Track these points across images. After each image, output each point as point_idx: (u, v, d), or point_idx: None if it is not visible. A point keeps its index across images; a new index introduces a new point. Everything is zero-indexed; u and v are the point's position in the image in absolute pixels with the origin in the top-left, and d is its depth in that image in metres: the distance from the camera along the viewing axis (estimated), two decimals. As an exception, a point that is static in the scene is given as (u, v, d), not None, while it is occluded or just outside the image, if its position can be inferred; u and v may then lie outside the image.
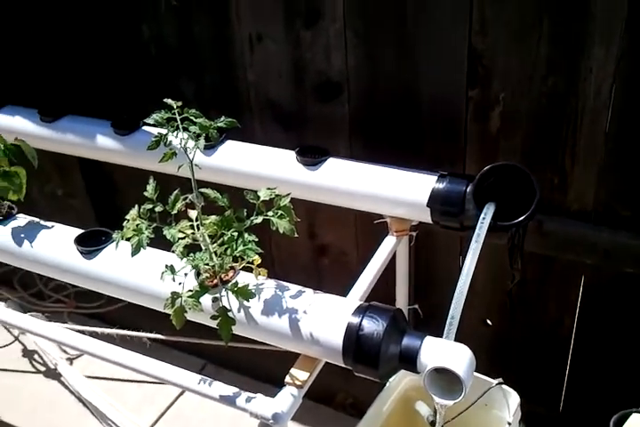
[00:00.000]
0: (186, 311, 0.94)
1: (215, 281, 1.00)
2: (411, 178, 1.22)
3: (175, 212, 0.98)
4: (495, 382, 1.19)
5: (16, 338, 2.19)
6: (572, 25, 1.11)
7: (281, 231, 0.96)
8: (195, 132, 0.96)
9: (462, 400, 0.88)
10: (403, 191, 1.21)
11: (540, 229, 1.29)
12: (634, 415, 1.07)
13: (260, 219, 0.97)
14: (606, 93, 1.14)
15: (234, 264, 1.02)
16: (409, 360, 0.90)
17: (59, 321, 1.47)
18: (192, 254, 0.96)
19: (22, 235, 1.23)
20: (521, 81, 1.20)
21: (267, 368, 1.61)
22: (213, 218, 0.99)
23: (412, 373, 0.92)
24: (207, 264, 0.97)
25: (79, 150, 1.59)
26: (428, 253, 1.49)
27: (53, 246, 1.20)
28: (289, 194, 0.98)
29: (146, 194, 0.99)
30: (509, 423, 1.18)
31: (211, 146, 1.37)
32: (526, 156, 1.27)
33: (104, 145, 1.51)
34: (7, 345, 2.18)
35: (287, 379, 0.98)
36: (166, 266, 0.96)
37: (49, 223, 1.26)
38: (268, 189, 0.98)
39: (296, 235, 0.96)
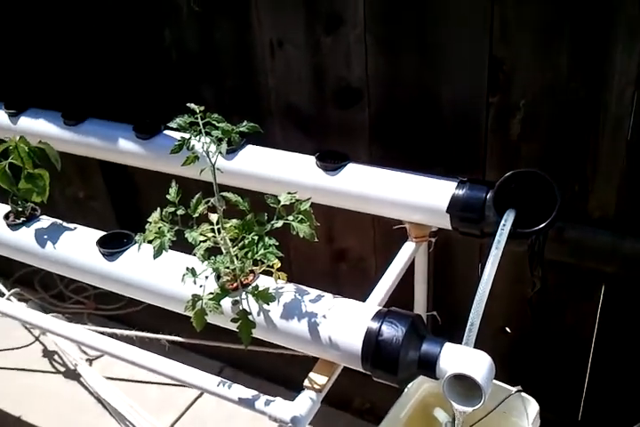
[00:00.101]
0: (206, 314, 0.95)
1: (235, 284, 1.01)
2: (430, 184, 1.22)
3: (197, 215, 0.99)
4: (514, 389, 1.18)
5: (36, 338, 2.22)
6: (593, 32, 1.10)
7: (301, 236, 0.96)
8: (217, 137, 0.97)
9: (481, 407, 0.87)
10: (422, 197, 1.21)
11: (560, 236, 1.28)
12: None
13: (280, 223, 0.97)
14: (628, 100, 1.13)
15: (254, 268, 1.03)
16: (428, 366, 0.90)
17: (79, 322, 1.49)
18: (213, 257, 0.97)
19: (45, 236, 1.24)
20: (542, 88, 1.20)
21: (284, 372, 1.61)
22: (234, 222, 0.99)
23: (431, 379, 0.92)
24: (228, 267, 0.98)
25: (101, 153, 1.61)
26: (446, 259, 1.49)
27: (76, 248, 1.21)
28: (309, 199, 0.99)
29: (168, 197, 1.00)
30: (528, 431, 1.17)
31: (232, 150, 1.38)
32: (547, 163, 1.26)
33: (125, 148, 1.53)
34: (28, 345, 2.21)
35: (306, 383, 0.98)
36: (187, 269, 0.97)
37: (71, 225, 1.27)
38: (289, 193, 0.99)
39: (316, 239, 0.97)
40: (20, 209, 1.29)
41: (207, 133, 0.96)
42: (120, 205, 2.01)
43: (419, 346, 0.91)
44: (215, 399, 1.02)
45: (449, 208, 1.17)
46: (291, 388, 1.03)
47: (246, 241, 0.97)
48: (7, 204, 1.30)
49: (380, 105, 1.39)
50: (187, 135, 0.97)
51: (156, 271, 1.12)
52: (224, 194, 0.99)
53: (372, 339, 0.92)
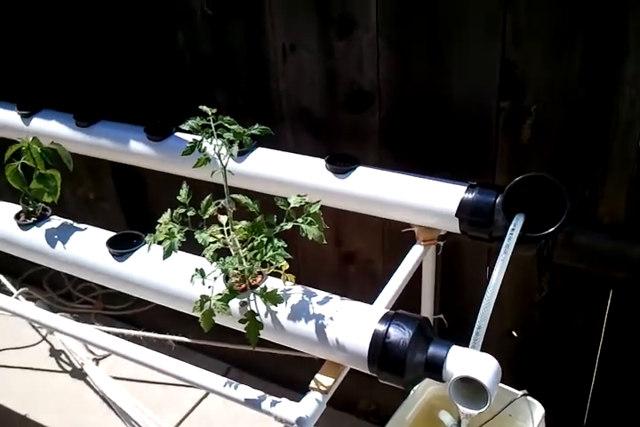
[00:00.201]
0: (214, 315, 0.95)
1: (244, 286, 1.02)
2: (440, 187, 1.23)
3: (207, 216, 0.99)
4: (520, 393, 1.18)
5: (44, 337, 2.23)
6: (606, 37, 1.10)
7: (310, 238, 0.97)
8: (228, 139, 0.97)
9: (487, 411, 0.88)
10: (431, 201, 1.21)
11: (569, 241, 1.28)
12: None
13: (289, 225, 0.98)
14: (639, 106, 1.13)
15: (262, 269, 1.03)
16: (434, 369, 0.90)
17: (86, 322, 1.50)
18: (222, 259, 0.98)
19: (56, 236, 1.25)
20: (553, 93, 1.20)
21: (290, 374, 1.62)
22: (244, 223, 1.00)
23: (437, 381, 0.92)
24: (236, 269, 0.98)
25: (112, 155, 1.62)
26: (455, 262, 1.49)
27: (86, 248, 1.22)
28: (319, 201, 0.99)
29: (179, 198, 1.00)
30: (533, 436, 1.17)
31: (243, 153, 1.39)
32: (557, 168, 1.26)
33: (137, 150, 1.54)
34: (35, 344, 2.22)
35: (312, 384, 0.98)
36: (196, 269, 0.98)
37: (82, 225, 1.28)
38: (299, 196, 1.00)
39: (325, 242, 0.97)
40: (31, 209, 1.30)
41: (219, 136, 0.97)
42: (130, 206, 2.03)
43: (425, 349, 0.92)
44: (221, 400, 1.03)
45: (458, 212, 1.17)
46: (296, 389, 1.03)
47: (255, 243, 0.98)
48: (18, 204, 1.32)
49: (391, 109, 1.39)
50: (198, 137, 0.97)
51: (166, 272, 1.12)
52: (234, 196, 1.00)
53: (379, 341, 0.92)
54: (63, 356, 2.17)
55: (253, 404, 0.98)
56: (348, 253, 1.68)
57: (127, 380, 1.99)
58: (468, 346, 0.93)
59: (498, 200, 1.13)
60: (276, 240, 0.97)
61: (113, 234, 1.23)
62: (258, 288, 1.00)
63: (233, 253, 0.99)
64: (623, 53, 1.10)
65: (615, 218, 1.26)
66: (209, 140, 0.97)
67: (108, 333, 1.24)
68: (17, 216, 1.31)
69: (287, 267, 1.03)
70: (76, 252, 1.23)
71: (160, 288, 1.12)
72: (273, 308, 1.00)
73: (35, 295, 2.14)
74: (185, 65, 1.62)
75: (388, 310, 0.99)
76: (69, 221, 1.30)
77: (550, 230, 1.08)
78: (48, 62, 1.85)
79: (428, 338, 0.93)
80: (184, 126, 0.98)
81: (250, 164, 1.39)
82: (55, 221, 1.30)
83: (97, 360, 2.09)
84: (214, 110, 0.98)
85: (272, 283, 1.04)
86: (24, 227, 1.29)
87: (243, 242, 0.99)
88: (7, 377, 2.10)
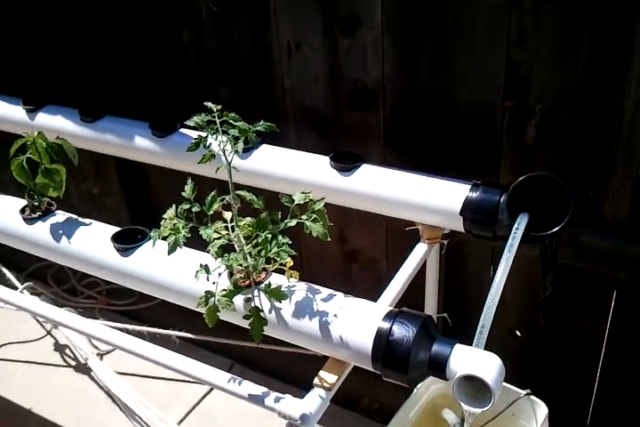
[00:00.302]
0: (218, 310, 0.96)
1: (248, 282, 1.02)
2: (444, 186, 1.23)
3: (212, 212, 0.99)
4: (524, 392, 1.18)
5: (48, 332, 2.24)
6: (612, 37, 1.10)
7: (314, 235, 0.97)
8: (233, 135, 0.98)
9: (490, 409, 0.88)
10: (436, 199, 1.22)
11: (573, 241, 1.28)
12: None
13: (294, 222, 0.98)
14: (645, 106, 1.13)
15: (266, 266, 1.04)
16: (438, 367, 0.91)
17: (90, 317, 1.50)
18: (226, 255, 0.98)
19: (60, 231, 1.26)
20: (559, 93, 1.20)
21: (293, 371, 1.62)
22: (248, 220, 1.00)
23: (441, 380, 0.92)
24: (241, 265, 0.99)
25: (117, 150, 1.62)
26: (459, 261, 1.49)
27: (90, 243, 1.23)
28: (323, 198, 1.00)
29: (184, 194, 1.01)
30: (536, 435, 1.17)
31: (247, 149, 1.39)
32: (562, 167, 1.26)
33: (141, 146, 1.54)
34: (39, 339, 2.22)
35: (316, 381, 0.98)
36: (201, 265, 0.98)
37: (87, 220, 1.29)
38: (303, 193, 1.00)
39: (329, 239, 0.97)
40: (37, 203, 1.31)
41: (224, 132, 0.97)
42: (134, 202, 2.03)
43: (429, 347, 0.92)
44: (225, 396, 1.03)
45: (462, 211, 1.17)
46: (299, 386, 1.04)
47: (260, 239, 0.98)
48: (24, 198, 1.32)
49: (396, 107, 1.39)
50: (203, 134, 0.98)
51: (170, 267, 1.13)
52: (239, 192, 1.00)
53: (382, 339, 0.92)
54: (67, 350, 2.17)
55: (257, 400, 0.99)
56: (351, 251, 1.68)
57: (131, 375, 1.99)
58: (471, 345, 0.94)
59: (502, 199, 1.13)
60: (280, 237, 0.97)
61: (118, 229, 1.23)
62: (262, 284, 1.00)
63: (237, 249, 0.99)
64: (629, 53, 1.10)
65: (619, 218, 1.26)
66: (214, 136, 0.97)
67: (113, 328, 1.24)
68: (22, 210, 1.32)
69: (291, 264, 1.03)
70: (81, 246, 1.23)
71: (164, 284, 1.13)
72: (277, 304, 1.01)
73: (39, 290, 2.15)
74: (190, 62, 1.62)
75: (391, 308, 0.99)
76: (74, 216, 1.30)
77: (554, 230, 1.08)
78: (53, 58, 1.86)
79: (431, 336, 0.93)
80: (189, 122, 0.98)
81: (254, 160, 1.40)
82: (60, 216, 1.30)
83: (101, 355, 2.10)
84: (219, 106, 0.98)
85: (276, 279, 1.05)
86: (29, 221, 1.29)
87: (247, 238, 0.99)
88: (12, 371, 2.11)
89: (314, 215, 0.98)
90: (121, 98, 1.77)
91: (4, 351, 2.19)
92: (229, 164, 0.98)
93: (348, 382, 1.04)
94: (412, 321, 0.93)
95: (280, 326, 1.02)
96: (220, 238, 0.98)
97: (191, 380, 1.10)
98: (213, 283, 0.98)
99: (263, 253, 0.97)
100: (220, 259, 0.97)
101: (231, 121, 0.98)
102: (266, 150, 1.42)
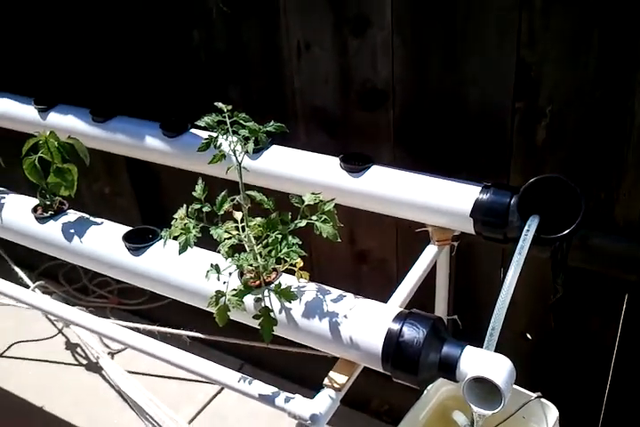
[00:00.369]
0: (229, 310, 0.96)
1: (258, 282, 1.02)
2: (454, 188, 1.22)
3: (222, 212, 1.00)
4: (534, 395, 1.18)
5: (60, 331, 2.25)
6: (622, 38, 1.10)
7: (324, 236, 0.97)
8: (243, 136, 0.98)
9: (500, 411, 0.87)
10: (446, 201, 1.21)
11: (585, 244, 1.27)
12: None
13: (304, 222, 0.98)
14: (656, 107, 1.13)
15: (277, 266, 1.04)
16: (448, 368, 0.90)
17: (101, 317, 1.51)
18: (237, 255, 0.98)
19: (72, 230, 1.26)
20: (569, 94, 1.19)
21: (303, 371, 1.62)
22: (259, 220, 1.00)
23: (451, 381, 0.92)
24: (251, 265, 0.99)
25: (128, 150, 1.63)
26: (469, 263, 1.48)
27: (102, 242, 1.23)
28: (333, 199, 1.00)
29: (194, 194, 1.01)
30: (547, 438, 1.17)
31: (257, 150, 1.39)
32: (572, 169, 1.25)
33: (152, 146, 1.55)
34: (51, 337, 2.24)
35: (326, 381, 0.99)
36: (211, 265, 0.98)
37: (98, 219, 1.29)
38: (313, 193, 1.00)
39: (339, 240, 0.97)
40: (48, 203, 1.32)
41: (234, 132, 0.98)
42: (145, 202, 2.04)
43: (439, 348, 0.92)
44: (235, 395, 1.03)
45: (472, 212, 1.17)
46: (310, 387, 1.04)
47: (270, 239, 0.98)
48: (36, 197, 1.33)
49: (406, 107, 1.39)
50: (214, 134, 0.98)
51: (181, 267, 1.13)
52: (249, 192, 1.01)
53: (392, 340, 0.92)
54: (79, 349, 2.19)
55: (267, 400, 0.99)
56: (361, 252, 1.68)
57: (142, 374, 2.00)
58: (482, 347, 0.93)
59: (513, 201, 1.13)
60: (290, 237, 0.98)
61: (129, 228, 1.24)
62: (272, 285, 1.01)
63: (248, 249, 1.00)
64: (639, 54, 1.09)
65: (630, 220, 1.25)
66: (224, 136, 0.97)
67: (124, 327, 1.25)
68: (34, 209, 1.32)
69: (301, 264, 1.03)
70: (93, 245, 1.24)
71: (175, 283, 1.13)
72: (287, 304, 1.01)
73: (51, 289, 2.17)
74: (200, 62, 1.63)
75: (402, 309, 0.99)
76: (86, 215, 1.31)
77: (565, 232, 1.08)
78: (65, 58, 1.87)
79: (441, 338, 0.93)
80: (200, 122, 0.98)
81: (264, 161, 1.40)
82: (72, 215, 1.31)
83: (112, 354, 2.11)
84: (230, 107, 0.98)
85: (286, 280, 1.05)
86: (41, 220, 1.30)
87: (257, 238, 1.00)
88: (24, 369, 2.13)
89: (324, 216, 0.98)
90: (132, 98, 1.78)
91: (16, 350, 2.21)
92: (240, 164, 0.98)
93: (358, 384, 1.04)
94: (422, 322, 0.93)
95: (290, 326, 1.02)
96: (230, 238, 0.98)
97: (202, 379, 1.10)
98: (224, 283, 0.98)
99: (273, 253, 0.97)
100: (230, 259, 0.98)
101: (241, 121, 0.98)
102: (276, 151, 1.42)
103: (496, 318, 0.95)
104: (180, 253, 0.98)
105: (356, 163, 1.32)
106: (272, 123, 1.00)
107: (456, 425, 1.07)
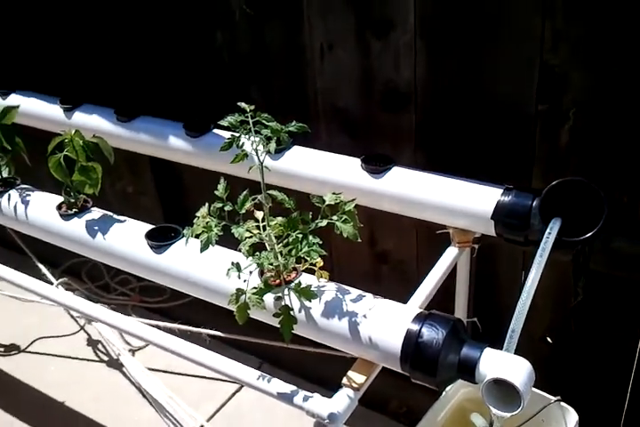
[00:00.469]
0: (249, 308, 0.97)
1: (278, 281, 1.03)
2: (476, 190, 1.22)
3: (244, 211, 1.01)
4: (554, 398, 1.17)
5: (82, 327, 2.28)
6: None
7: (345, 235, 0.97)
8: (266, 136, 0.99)
9: (519, 414, 0.87)
10: (467, 203, 1.21)
11: (606, 247, 1.26)
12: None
13: (324, 222, 0.98)
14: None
15: (297, 265, 1.04)
16: (467, 370, 0.90)
17: (122, 314, 1.53)
18: (257, 253, 0.99)
19: (96, 227, 1.29)
20: (592, 97, 1.18)
21: (322, 372, 1.62)
22: (280, 219, 1.01)
23: (470, 383, 0.92)
24: (271, 264, 0.99)
25: (151, 150, 1.65)
26: (490, 266, 1.48)
27: (125, 240, 1.25)
28: (354, 199, 1.00)
29: (216, 193, 1.02)
30: (566, 442, 1.16)
31: (279, 150, 1.40)
32: (595, 173, 1.24)
33: (175, 146, 1.56)
34: (73, 334, 2.27)
35: (344, 381, 0.99)
36: (232, 263, 0.99)
37: (121, 217, 1.31)
38: (334, 193, 1.00)
39: (359, 240, 0.98)
40: (73, 200, 1.34)
41: (257, 132, 0.98)
42: (168, 202, 2.06)
43: (459, 350, 0.91)
44: (254, 394, 1.04)
45: (494, 214, 1.16)
46: (328, 388, 1.04)
47: (291, 239, 0.99)
48: (60, 195, 1.35)
49: (428, 109, 1.39)
50: (236, 134, 0.99)
51: (202, 265, 1.14)
52: (271, 192, 1.01)
53: (411, 340, 0.92)
54: (100, 346, 2.21)
55: (286, 398, 0.99)
56: (381, 253, 1.68)
57: (162, 371, 2.02)
58: (501, 350, 0.93)
59: (535, 203, 1.12)
60: (311, 237, 0.98)
61: (152, 227, 1.25)
62: (292, 284, 1.01)
63: (268, 248, 1.00)
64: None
65: (655, 224, 1.24)
66: (247, 136, 0.98)
67: (145, 324, 1.26)
68: (59, 207, 1.35)
69: (321, 264, 1.03)
70: (116, 243, 1.26)
71: (196, 281, 1.14)
72: (307, 303, 1.01)
73: (73, 286, 2.19)
74: (223, 63, 1.64)
75: (421, 310, 0.99)
76: (109, 213, 1.33)
77: (587, 236, 1.07)
78: (90, 58, 1.89)
79: (461, 339, 0.93)
80: (223, 122, 0.99)
81: (286, 161, 1.41)
82: (96, 213, 1.33)
83: (133, 351, 2.13)
84: (252, 107, 0.99)
85: (306, 279, 1.05)
86: (65, 217, 1.32)
87: (278, 238, 1.00)
88: (46, 365, 2.15)
89: (344, 216, 0.98)
90: (156, 98, 1.80)
91: (38, 346, 2.24)
92: (261, 163, 0.99)
93: (376, 385, 1.04)
94: (441, 324, 0.93)
95: (309, 325, 1.02)
96: (251, 237, 0.99)
97: (221, 378, 1.11)
98: (244, 281, 0.99)
99: (294, 252, 0.98)
100: (251, 257, 0.99)
101: (264, 121, 0.99)
102: (297, 151, 1.43)
103: (516, 320, 0.94)
104: (201, 251, 0.99)
105: (377, 164, 1.32)
106: (294, 123, 1.01)
107: (474, 427, 1.07)
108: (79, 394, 2.03)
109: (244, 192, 1.02)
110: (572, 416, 1.18)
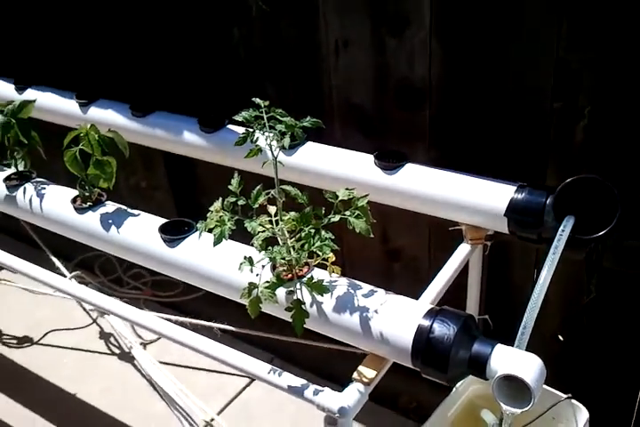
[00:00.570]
0: (261, 302, 0.97)
1: (290, 275, 1.03)
2: (489, 187, 1.22)
3: (257, 206, 1.01)
4: (565, 396, 1.17)
5: (94, 320, 2.30)
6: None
7: (357, 231, 0.98)
8: (280, 131, 0.99)
9: (529, 411, 0.87)
10: (480, 200, 1.21)
11: (620, 245, 1.26)
12: None
13: (337, 217, 0.99)
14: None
15: (309, 260, 1.05)
16: (478, 366, 0.90)
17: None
18: (270, 248, 1.00)
19: (110, 221, 1.29)
20: (607, 95, 1.17)
21: (332, 368, 1.63)
22: (293, 214, 1.02)
23: (481, 379, 0.92)
24: (284, 258, 1.00)
25: (166, 145, 1.66)
26: (502, 263, 1.47)
27: (138, 233, 1.26)
28: (367, 195, 1.00)
29: (230, 187, 1.03)
30: (576, 439, 1.15)
31: (293, 146, 1.40)
32: (610, 171, 1.24)
33: (190, 141, 1.57)
34: (86, 327, 2.29)
35: (355, 375, 0.99)
36: (245, 257, 1.00)
37: (135, 211, 1.32)
38: (347, 189, 1.01)
39: (371, 235, 0.98)
40: (87, 194, 1.35)
41: (271, 127, 0.99)
42: (181, 196, 2.07)
43: (470, 346, 0.92)
44: (264, 388, 1.05)
45: (507, 212, 1.16)
46: (338, 383, 1.04)
47: (303, 233, 0.99)
48: (75, 188, 1.36)
49: (442, 107, 1.39)
50: (251, 129, 0.99)
51: (215, 259, 1.15)
52: (284, 187, 1.02)
53: (422, 336, 0.93)
54: (112, 339, 2.23)
55: (296, 391, 1.00)
56: (393, 250, 1.68)
57: (173, 365, 2.03)
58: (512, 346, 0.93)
59: (548, 201, 1.12)
60: (323, 232, 0.98)
61: (165, 220, 1.26)
62: (304, 278, 1.02)
63: (281, 242, 1.01)
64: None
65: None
66: (261, 131, 0.99)
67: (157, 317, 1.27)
68: (73, 200, 1.36)
69: (334, 259, 1.04)
70: (129, 236, 1.26)
71: (209, 274, 1.15)
72: (319, 298, 1.02)
73: (86, 279, 2.21)
74: (239, 59, 1.65)
75: (433, 306, 0.99)
76: (123, 207, 1.34)
77: (600, 234, 1.06)
78: (106, 54, 1.91)
79: (472, 335, 0.93)
80: (237, 117, 1.00)
81: (299, 157, 1.41)
82: (110, 207, 1.34)
83: (144, 345, 2.14)
84: (267, 102, 0.99)
85: (318, 274, 1.06)
86: (80, 211, 1.33)
87: (291, 232, 1.01)
88: (59, 357, 2.18)
89: (357, 211, 0.99)
90: (171, 93, 1.81)
91: (51, 338, 2.26)
92: (275, 158, 0.99)
93: (387, 380, 1.04)
94: (453, 319, 0.93)
95: (321, 319, 1.03)
96: (264, 232, 0.99)
97: (231, 372, 1.12)
98: (257, 275, 0.99)
99: (306, 246, 0.98)
100: (263, 252, 0.99)
101: (278, 117, 1.00)
102: (311, 147, 1.43)
103: (528, 316, 0.94)
104: (214, 245, 1.00)
105: (390, 160, 1.32)
106: (308, 118, 1.01)
107: (484, 424, 1.07)
108: (90, 386, 2.05)
109: (258, 187, 1.02)
110: (583, 414, 1.18)
